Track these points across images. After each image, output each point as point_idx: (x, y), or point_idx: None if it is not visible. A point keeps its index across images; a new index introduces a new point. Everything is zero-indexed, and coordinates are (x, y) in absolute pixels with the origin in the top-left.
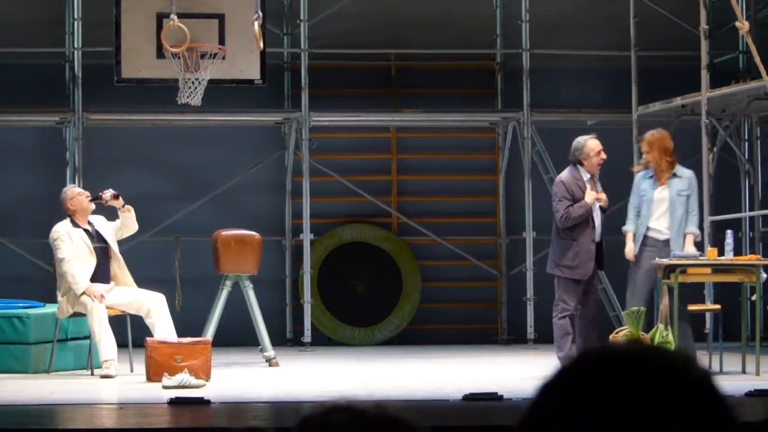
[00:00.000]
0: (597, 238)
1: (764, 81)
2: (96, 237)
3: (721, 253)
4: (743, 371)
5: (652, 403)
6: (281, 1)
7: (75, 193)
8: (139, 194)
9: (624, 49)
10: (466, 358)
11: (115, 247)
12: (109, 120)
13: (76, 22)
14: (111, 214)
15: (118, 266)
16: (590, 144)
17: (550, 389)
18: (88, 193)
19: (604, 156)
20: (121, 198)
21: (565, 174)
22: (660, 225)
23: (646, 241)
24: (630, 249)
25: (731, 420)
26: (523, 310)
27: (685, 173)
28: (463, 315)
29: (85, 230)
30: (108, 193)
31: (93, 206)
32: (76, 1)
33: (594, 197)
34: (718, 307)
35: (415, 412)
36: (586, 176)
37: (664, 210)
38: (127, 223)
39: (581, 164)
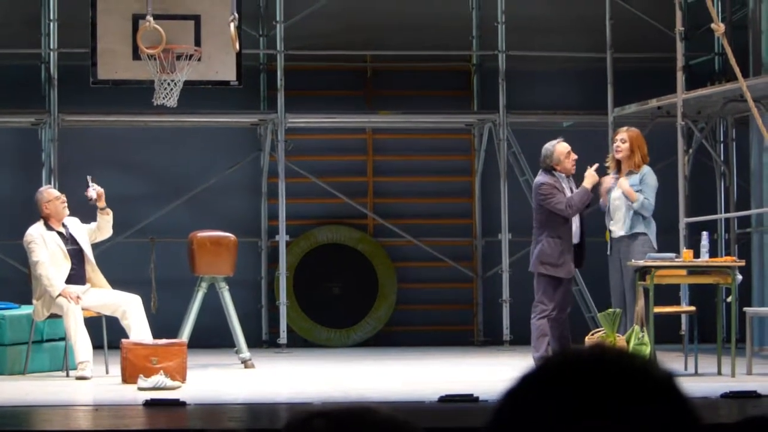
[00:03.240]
0: (576, 239)
1: (740, 83)
2: (70, 240)
3: (696, 254)
4: (719, 373)
5: (615, 405)
6: (257, 3)
7: (52, 197)
8: (114, 196)
9: (600, 51)
10: (442, 359)
11: (88, 250)
12: (84, 121)
13: (51, 23)
14: (85, 217)
15: (92, 270)
16: (559, 148)
17: (515, 393)
18: (64, 198)
19: (575, 156)
20: (103, 199)
21: (541, 177)
22: (613, 224)
23: (611, 242)
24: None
25: (694, 420)
26: (499, 311)
27: (643, 169)
28: (439, 316)
29: (59, 233)
30: (93, 192)
31: (67, 212)
32: (51, 2)
33: (593, 178)
34: (693, 308)
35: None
36: (561, 178)
37: (615, 208)
38: (103, 225)
39: (554, 169)
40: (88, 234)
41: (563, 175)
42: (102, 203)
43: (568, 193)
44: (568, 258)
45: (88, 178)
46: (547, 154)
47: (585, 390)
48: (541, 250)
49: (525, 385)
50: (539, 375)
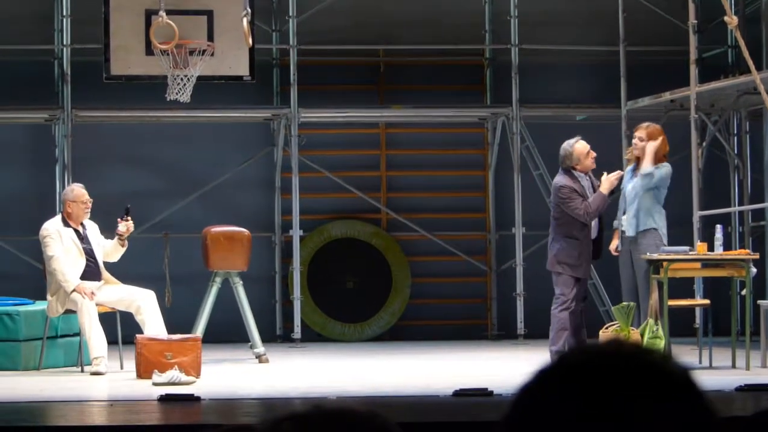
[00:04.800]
0: (594, 234)
1: (753, 76)
2: (85, 239)
3: (710, 247)
4: (733, 366)
5: (633, 401)
6: None
7: (78, 200)
8: (128, 191)
9: (613, 45)
10: (456, 353)
11: (99, 255)
12: (98, 117)
13: (64, 20)
14: (97, 217)
15: (102, 276)
16: (578, 148)
17: (532, 387)
18: (89, 204)
19: (594, 154)
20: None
21: (561, 178)
22: (626, 217)
23: (621, 236)
24: (612, 245)
25: (712, 416)
26: (513, 305)
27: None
28: (453, 311)
29: (76, 231)
30: (123, 227)
31: (87, 217)
32: None
33: (610, 185)
34: (707, 302)
35: (400, 408)
36: (582, 177)
37: (630, 203)
38: (116, 252)
39: (574, 169)
40: (105, 252)
41: (583, 174)
42: (124, 236)
43: (588, 191)
44: (585, 259)
45: (128, 206)
46: (566, 154)
47: (602, 385)
48: (559, 249)
49: (542, 379)
50: (556, 369)
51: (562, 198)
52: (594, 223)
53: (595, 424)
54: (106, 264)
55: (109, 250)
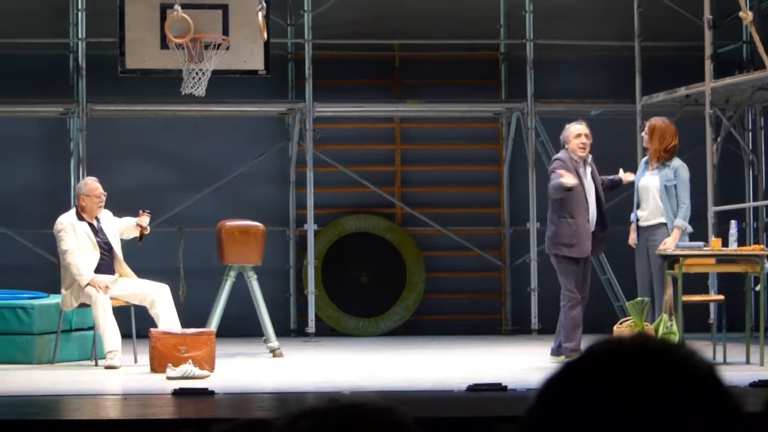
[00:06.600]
0: (591, 222)
1: None
2: (100, 232)
3: (725, 243)
4: (747, 362)
5: (658, 395)
6: None
7: (92, 194)
8: (143, 185)
9: (628, 40)
10: (470, 348)
11: (116, 245)
12: (113, 111)
13: (79, 13)
14: (116, 206)
15: (119, 264)
16: (572, 128)
17: (557, 381)
18: (104, 198)
19: (584, 140)
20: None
21: (561, 153)
22: (641, 212)
23: (638, 230)
24: (631, 238)
25: (735, 411)
26: (527, 300)
27: (674, 163)
28: (468, 305)
29: (90, 224)
30: (145, 222)
31: (102, 210)
32: None
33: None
34: (721, 297)
35: (414, 402)
36: (579, 163)
37: (646, 197)
38: (130, 235)
39: (564, 148)
40: (119, 229)
41: (580, 161)
42: (146, 229)
43: (584, 179)
44: (583, 238)
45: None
46: (564, 131)
47: (628, 379)
48: (555, 231)
49: (568, 372)
50: (582, 363)
51: (552, 169)
52: (592, 216)
53: (620, 418)
54: (125, 255)
55: (129, 229)
